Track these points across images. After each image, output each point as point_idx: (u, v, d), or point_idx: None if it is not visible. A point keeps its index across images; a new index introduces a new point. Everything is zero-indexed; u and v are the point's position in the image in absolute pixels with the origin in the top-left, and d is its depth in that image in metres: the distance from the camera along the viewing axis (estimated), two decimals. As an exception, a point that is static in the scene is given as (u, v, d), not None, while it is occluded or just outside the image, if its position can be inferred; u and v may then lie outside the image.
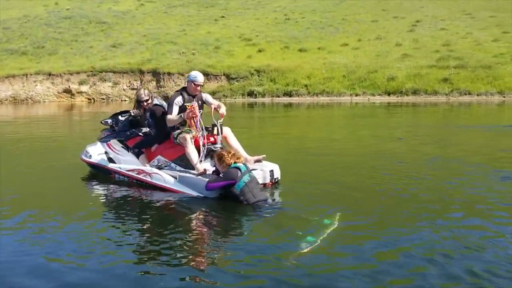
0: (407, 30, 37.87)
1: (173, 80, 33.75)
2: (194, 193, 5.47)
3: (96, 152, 6.89)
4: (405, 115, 18.40)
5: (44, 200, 5.65)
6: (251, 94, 29.92)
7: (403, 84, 26.56)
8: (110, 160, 6.77)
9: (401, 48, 33.03)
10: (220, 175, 5.12)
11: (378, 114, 19.38)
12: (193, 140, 5.78)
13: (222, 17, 45.83)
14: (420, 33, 36.65)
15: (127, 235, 4.41)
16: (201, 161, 5.77)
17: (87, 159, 6.98)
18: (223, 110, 5.79)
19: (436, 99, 25.20)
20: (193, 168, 5.83)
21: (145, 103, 6.49)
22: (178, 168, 6.03)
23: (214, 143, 5.84)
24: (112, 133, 6.98)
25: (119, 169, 6.50)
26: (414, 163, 7.18)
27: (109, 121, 7.05)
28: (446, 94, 25.22)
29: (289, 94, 29.01)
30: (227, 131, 6.12)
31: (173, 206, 5.38)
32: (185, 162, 5.96)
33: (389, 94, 26.48)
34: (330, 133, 12.27)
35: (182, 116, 5.73)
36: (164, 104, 6.51)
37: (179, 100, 5.91)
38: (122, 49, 38.04)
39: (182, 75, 32.78)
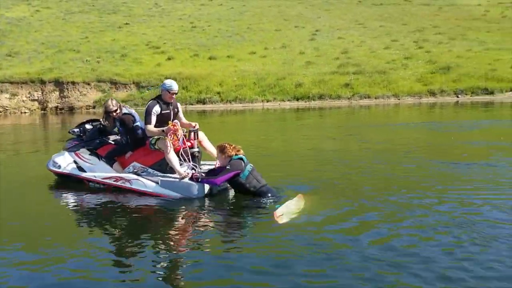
0: (308, 39, 40.19)
1: (78, 90, 32.26)
2: (178, 195, 5.74)
3: (65, 162, 6.79)
4: (322, 118, 19.87)
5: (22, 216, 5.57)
6: (163, 102, 29.69)
7: (310, 89, 28.29)
8: (80, 169, 6.71)
9: (305, 56, 35.04)
10: (227, 167, 5.48)
11: (294, 117, 20.61)
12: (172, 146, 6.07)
13: (126, 24, 44.79)
14: (320, 41, 39.14)
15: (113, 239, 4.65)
16: (180, 165, 6.11)
17: (56, 170, 6.87)
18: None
19: (340, 103, 27.23)
20: (170, 172, 6.09)
21: (114, 114, 6.54)
22: (156, 173, 6.21)
23: (192, 147, 6.14)
24: (80, 143, 6.91)
25: (94, 178, 6.50)
26: (360, 157, 8.22)
27: (76, 130, 6.97)
28: (349, 98, 27.37)
29: (202, 101, 29.36)
30: (201, 135, 6.53)
31: (149, 209, 5.74)
32: (163, 167, 6.17)
33: (297, 100, 28.02)
34: (267, 136, 12.96)
35: (165, 130, 5.97)
36: (133, 112, 6.62)
37: (157, 109, 6.15)
38: (19, 58, 35.52)
39: (88, 84, 31.59)
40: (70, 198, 6.32)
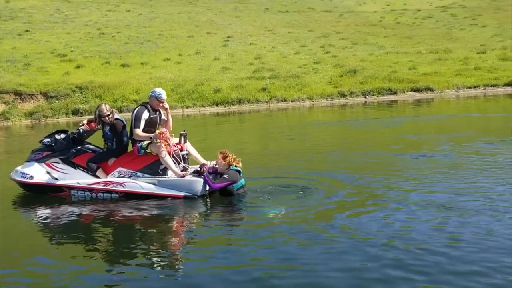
0: (221, 45, 40.70)
1: (-23, 101, 29.63)
2: (181, 193, 5.89)
3: (38, 172, 6.44)
4: (252, 121, 20.59)
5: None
6: (76, 112, 28.35)
7: (229, 94, 28.72)
8: (55, 179, 6.43)
9: (220, 62, 35.47)
10: (224, 176, 5.75)
11: (217, 122, 20.90)
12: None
13: (27, 31, 41.91)
14: (233, 47, 39.85)
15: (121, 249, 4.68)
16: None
17: (28, 180, 6.54)
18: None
19: (259, 106, 28.02)
20: (160, 174, 6.38)
21: (107, 118, 6.66)
22: (146, 176, 6.19)
23: (181, 150, 6.36)
24: (52, 153, 6.58)
25: (78, 185, 6.32)
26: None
27: (47, 140, 6.65)
28: (266, 102, 28.24)
29: (118, 110, 28.42)
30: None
31: (138, 216, 5.85)
32: (154, 170, 6.21)
33: (217, 105, 28.31)
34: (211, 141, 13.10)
35: (152, 137, 6.13)
36: (123, 118, 6.61)
37: (145, 114, 6.33)
38: None
39: (-11, 95, 29.13)
40: (49, 210, 6.18)
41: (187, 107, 28.45)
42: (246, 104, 28.15)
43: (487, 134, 11.44)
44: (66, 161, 6.78)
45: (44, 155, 6.84)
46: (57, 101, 29.11)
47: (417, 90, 28.18)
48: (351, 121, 17.27)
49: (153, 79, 31.46)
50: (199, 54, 37.46)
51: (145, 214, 5.90)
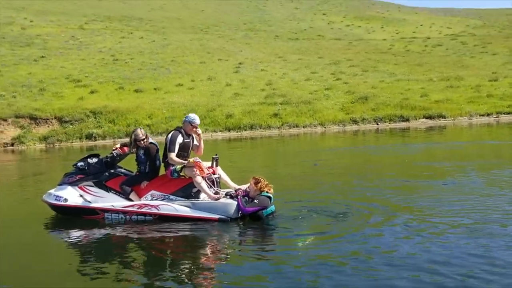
0: (232, 72, 41.18)
1: (-7, 126, 30.02)
2: (215, 216, 5.95)
3: (72, 196, 6.54)
4: (267, 146, 20.65)
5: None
6: (89, 137, 28.61)
7: (240, 120, 28.87)
8: (88, 202, 6.51)
9: (232, 87, 35.81)
10: (255, 201, 5.78)
11: (239, 147, 20.95)
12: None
13: (42, 57, 42.79)
14: (245, 74, 40.30)
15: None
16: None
17: (62, 203, 6.64)
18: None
19: (270, 132, 28.09)
20: (192, 197, 6.54)
21: (142, 142, 6.83)
22: (179, 199, 6.26)
23: (213, 173, 6.43)
24: (85, 176, 6.66)
25: (113, 207, 6.41)
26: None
27: (80, 164, 6.75)
28: (278, 128, 28.32)
29: (131, 134, 28.66)
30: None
31: (173, 237, 5.89)
32: (187, 193, 6.28)
33: (229, 130, 28.43)
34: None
35: (186, 165, 6.37)
36: (157, 143, 6.73)
37: (180, 139, 6.64)
38: None
39: (5, 120, 29.51)
40: (82, 232, 6.37)
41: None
42: (258, 129, 28.24)
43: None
44: (99, 185, 6.88)
45: (77, 178, 6.94)
46: (71, 126, 29.42)
47: (430, 117, 28.15)
48: (369, 147, 17.27)
49: (166, 104, 31.78)
50: (211, 80, 37.89)
51: (178, 235, 5.99)
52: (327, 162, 13.16)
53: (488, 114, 27.59)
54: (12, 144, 28.10)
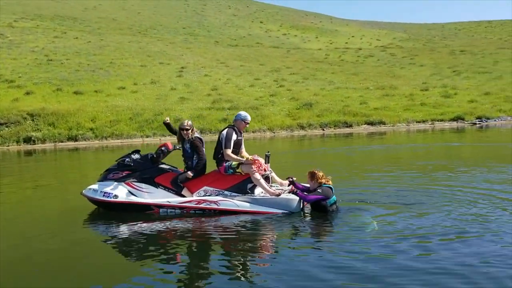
0: (176, 76, 40.74)
1: None
2: (278, 211, 6.00)
3: (121, 192, 6.32)
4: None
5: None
6: (28, 140, 26.98)
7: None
8: (140, 198, 6.36)
9: (177, 92, 35.42)
10: (318, 190, 5.83)
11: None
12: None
13: (-32, 55, 39.71)
14: (189, 78, 40.02)
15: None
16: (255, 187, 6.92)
17: (112, 200, 6.47)
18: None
19: (219, 137, 28.10)
20: (248, 193, 6.70)
21: (184, 131, 6.90)
22: (234, 194, 6.24)
23: (265, 170, 6.57)
24: (132, 172, 6.44)
25: (168, 203, 6.30)
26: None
27: (127, 160, 6.52)
28: (228, 132, 28.47)
29: (74, 138, 27.46)
30: None
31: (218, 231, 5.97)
32: (243, 189, 6.31)
33: (178, 134, 28.08)
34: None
35: (244, 162, 6.72)
36: (203, 138, 7.04)
37: (234, 136, 6.79)
38: None
39: None
40: (135, 226, 6.35)
41: (147, 136, 28.02)
42: (208, 134, 28.18)
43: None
44: (147, 181, 6.72)
45: (124, 174, 6.72)
46: (6, 128, 27.57)
47: (371, 123, 29.70)
48: (346, 147, 17.86)
49: (109, 107, 30.76)
50: (155, 84, 37.22)
51: (232, 227, 6.13)
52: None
53: (423, 121, 29.64)
54: None
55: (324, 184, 6.44)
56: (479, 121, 28.74)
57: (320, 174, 6.51)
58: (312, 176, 6.51)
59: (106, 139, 27.88)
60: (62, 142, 27.32)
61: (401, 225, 5.80)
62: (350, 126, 29.45)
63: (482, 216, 6.23)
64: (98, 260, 5.30)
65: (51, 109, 29.60)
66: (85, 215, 7.18)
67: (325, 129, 29.29)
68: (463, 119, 29.27)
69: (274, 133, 28.66)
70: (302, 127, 29.38)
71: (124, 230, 6.35)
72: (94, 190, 6.82)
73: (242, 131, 7.11)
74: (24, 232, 6.60)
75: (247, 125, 7.12)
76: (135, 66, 42.65)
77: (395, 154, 16.41)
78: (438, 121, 29.45)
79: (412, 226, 5.74)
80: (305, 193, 6.53)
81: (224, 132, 6.90)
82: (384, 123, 29.58)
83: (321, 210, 6.37)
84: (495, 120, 28.79)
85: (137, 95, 34.00)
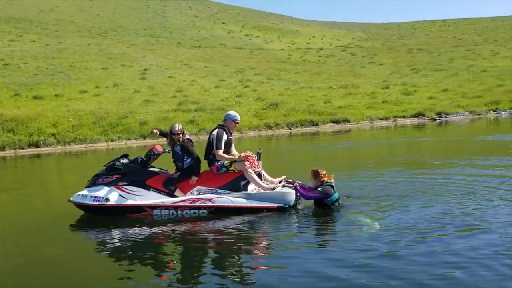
0: (139, 78, 40.12)
1: None
2: (274, 205, 6.01)
3: (112, 196, 6.16)
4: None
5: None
6: (-15, 147, 25.88)
7: (156, 127, 28.08)
8: (131, 201, 6.22)
9: (141, 94, 34.90)
10: (318, 189, 5.87)
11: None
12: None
13: None
14: (152, 80, 39.50)
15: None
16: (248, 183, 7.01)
17: (103, 203, 6.23)
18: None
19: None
20: (241, 190, 6.73)
21: (176, 136, 6.86)
22: (228, 192, 6.24)
23: (257, 167, 6.82)
24: (122, 176, 6.29)
25: (162, 203, 6.16)
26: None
27: (117, 164, 6.38)
28: (195, 134, 28.28)
29: (35, 144, 26.56)
30: None
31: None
32: (236, 186, 6.27)
33: (144, 137, 27.69)
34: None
35: (236, 160, 6.78)
36: (191, 139, 7.04)
37: (225, 136, 6.85)
38: None
39: None
40: (128, 230, 6.26)
41: (112, 140, 27.45)
42: (174, 136, 27.92)
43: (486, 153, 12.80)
44: (137, 184, 6.61)
45: (114, 178, 6.58)
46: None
47: (336, 121, 30.25)
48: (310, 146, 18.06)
49: (70, 111, 29.94)
50: (118, 87, 36.52)
51: (232, 227, 6.14)
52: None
53: (386, 118, 30.45)
54: None
55: (326, 182, 6.55)
56: (439, 117, 29.79)
57: (323, 172, 6.61)
58: (316, 174, 6.62)
59: (69, 144, 27.10)
60: (22, 148, 26.37)
61: (397, 219, 5.95)
62: (316, 125, 29.89)
63: (473, 210, 6.40)
64: (91, 266, 5.22)
65: (10, 115, 28.54)
66: (48, 222, 7.07)
67: (292, 128, 29.61)
68: (423, 115, 30.27)
69: (242, 133, 28.71)
70: (269, 127, 29.59)
71: (116, 235, 6.27)
72: (84, 196, 6.67)
73: (231, 131, 7.14)
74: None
75: (237, 125, 7.20)
76: (96, 69, 41.71)
77: (365, 150, 16.81)
78: (400, 117, 30.35)
79: (411, 221, 5.84)
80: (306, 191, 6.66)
81: (215, 132, 6.92)
82: (348, 121, 30.20)
83: (322, 207, 6.55)
84: (454, 116, 29.93)
85: (100, 98, 33.27)
